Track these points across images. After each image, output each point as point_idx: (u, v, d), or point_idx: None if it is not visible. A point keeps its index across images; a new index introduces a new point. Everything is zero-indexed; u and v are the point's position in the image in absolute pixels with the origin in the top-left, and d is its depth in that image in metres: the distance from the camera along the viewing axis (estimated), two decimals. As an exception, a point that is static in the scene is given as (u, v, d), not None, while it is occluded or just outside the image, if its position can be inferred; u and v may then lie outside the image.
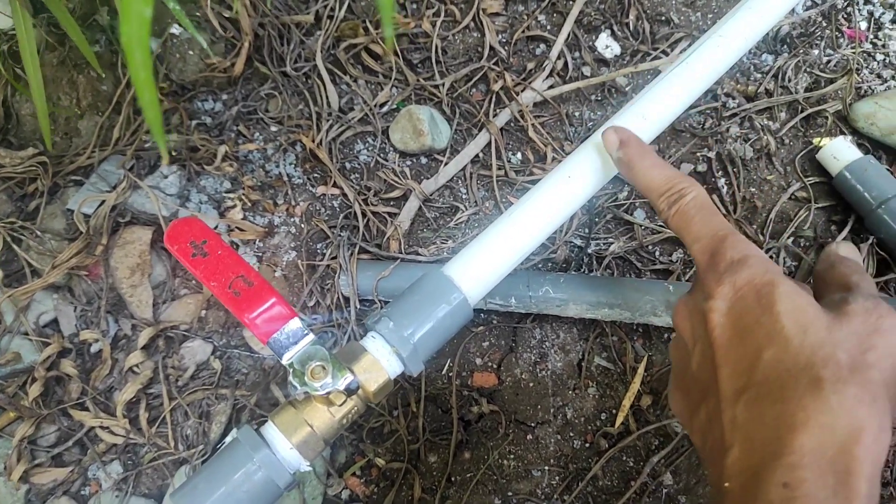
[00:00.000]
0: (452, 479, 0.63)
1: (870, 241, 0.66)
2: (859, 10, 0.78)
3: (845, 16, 0.78)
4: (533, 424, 0.65)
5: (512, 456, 0.64)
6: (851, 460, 0.26)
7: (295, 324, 0.39)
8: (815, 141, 0.72)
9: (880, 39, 0.78)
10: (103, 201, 0.66)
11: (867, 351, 0.29)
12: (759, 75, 0.75)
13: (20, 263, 0.66)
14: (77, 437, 0.61)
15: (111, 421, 0.61)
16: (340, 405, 0.39)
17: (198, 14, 0.72)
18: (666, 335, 0.67)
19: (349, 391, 0.38)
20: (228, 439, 0.57)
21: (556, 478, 0.63)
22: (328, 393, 0.38)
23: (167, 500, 0.61)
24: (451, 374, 0.65)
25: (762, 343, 0.30)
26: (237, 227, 0.67)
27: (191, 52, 0.73)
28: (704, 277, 0.34)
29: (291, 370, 0.38)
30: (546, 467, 0.64)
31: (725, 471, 0.29)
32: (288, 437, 0.38)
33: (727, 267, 0.33)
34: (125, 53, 0.22)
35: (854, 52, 0.75)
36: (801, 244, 0.69)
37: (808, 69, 0.75)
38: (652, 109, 0.49)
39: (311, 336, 0.40)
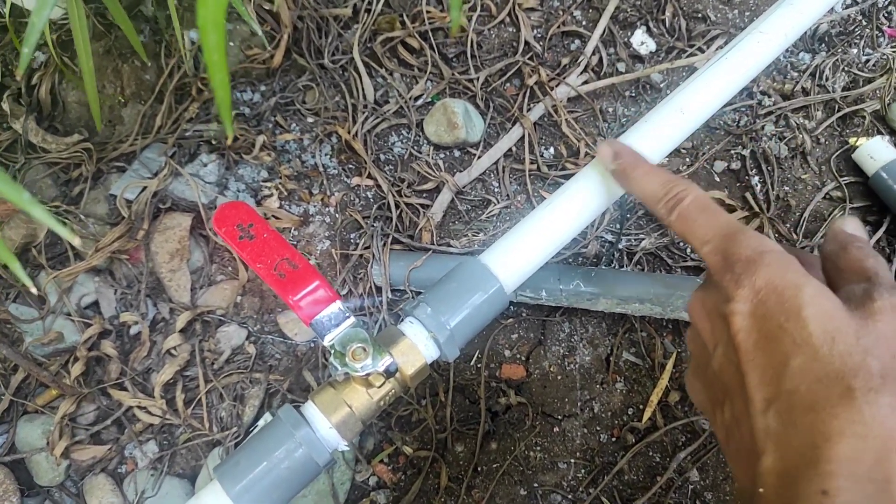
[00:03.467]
0: (479, 468, 0.64)
1: (906, 243, 0.65)
2: (900, 9, 0.78)
3: (886, 14, 0.77)
4: (560, 417, 0.65)
5: (538, 448, 0.65)
6: (890, 469, 0.26)
7: (337, 306, 0.40)
8: (852, 140, 0.71)
9: (921, 39, 0.77)
10: (145, 187, 0.67)
11: None
12: (795, 74, 0.75)
13: (63, 246, 0.68)
14: (115, 416, 0.63)
15: (148, 401, 0.62)
16: (379, 387, 0.40)
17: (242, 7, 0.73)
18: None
19: (388, 373, 0.39)
20: (261, 423, 0.58)
21: (582, 471, 0.64)
22: (368, 374, 0.39)
23: (200, 482, 0.63)
24: (479, 365, 0.66)
25: (789, 350, 0.29)
26: (273, 216, 0.68)
27: (231, 44, 0.74)
28: (721, 278, 0.33)
29: (332, 351, 0.39)
30: (572, 460, 0.64)
31: (759, 477, 0.29)
32: (328, 417, 0.39)
33: (744, 267, 0.31)
34: (201, 34, 0.23)
35: (894, 52, 0.75)
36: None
37: (846, 68, 0.74)
38: (690, 104, 0.49)
39: (352, 319, 0.41)
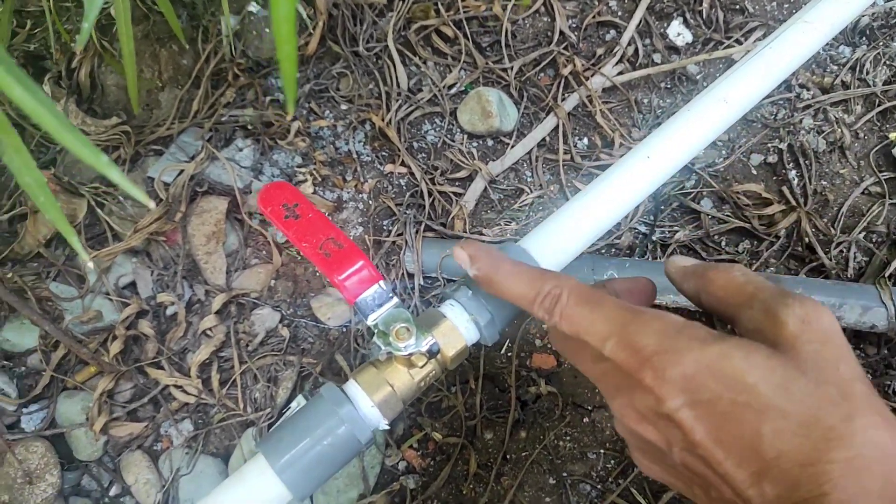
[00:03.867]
0: (508, 456, 0.64)
1: (947, 239, 0.64)
2: (944, 2, 0.76)
3: (929, 8, 0.76)
4: (590, 408, 0.65)
5: (568, 437, 0.65)
6: None
7: (381, 286, 0.41)
8: (892, 135, 0.70)
9: (965, 34, 0.75)
10: (182, 171, 0.68)
11: (838, 364, 0.28)
12: (835, 67, 0.74)
13: (102, 227, 0.69)
14: (152, 394, 0.64)
15: (184, 380, 0.63)
16: (421, 367, 0.40)
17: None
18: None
19: (431, 353, 0.39)
20: (294, 405, 0.59)
21: (612, 461, 0.64)
22: (410, 354, 0.39)
23: (233, 462, 0.64)
24: (510, 354, 0.66)
25: (755, 421, 0.28)
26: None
27: (267, 30, 0.75)
28: (643, 377, 0.30)
29: (376, 330, 0.39)
30: (602, 451, 0.64)
31: None
32: (370, 395, 0.40)
33: (662, 358, 0.29)
34: (274, 25, 0.23)
35: (937, 46, 0.73)
36: (873, 239, 0.68)
37: (887, 62, 0.73)
38: (734, 93, 0.49)
39: (395, 299, 0.41)
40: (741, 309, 0.31)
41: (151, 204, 0.27)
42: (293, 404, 0.57)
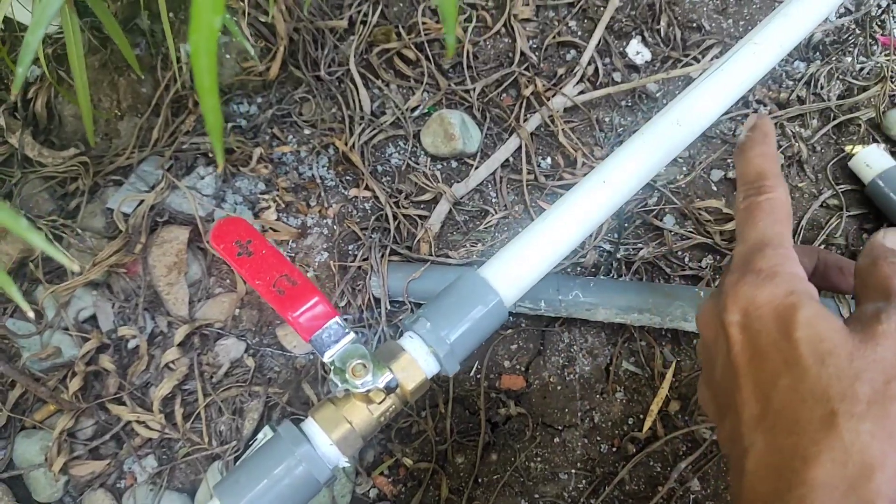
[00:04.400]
0: (479, 480, 0.64)
1: (903, 250, 0.65)
2: (893, 17, 0.78)
3: (879, 23, 0.78)
4: (560, 428, 0.65)
5: (539, 458, 0.65)
6: (865, 496, 0.25)
7: (336, 322, 0.40)
8: (848, 148, 0.72)
9: (914, 47, 0.77)
10: (142, 201, 0.67)
11: (891, 381, 0.27)
12: (790, 82, 0.75)
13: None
14: (114, 430, 0.63)
15: (147, 416, 0.62)
16: (379, 403, 0.40)
17: (236, 19, 0.73)
18: (695, 341, 0.67)
19: (388, 389, 0.39)
20: (260, 436, 0.58)
21: (583, 481, 0.64)
22: (368, 391, 0.39)
23: (199, 497, 0.63)
24: (479, 376, 0.66)
25: (779, 369, 0.29)
26: (271, 228, 0.68)
27: (227, 56, 0.75)
28: (729, 285, 0.32)
29: (333, 367, 0.39)
30: (573, 471, 0.64)
31: (741, 494, 0.29)
32: (328, 434, 0.39)
33: (753, 280, 0.31)
34: (192, 60, 0.23)
35: (888, 60, 0.75)
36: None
37: (840, 76, 0.75)
38: (687, 116, 0.49)
39: (352, 335, 0.41)
40: (868, 302, 0.31)
41: (76, 267, 0.26)
42: (259, 436, 0.57)
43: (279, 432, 0.40)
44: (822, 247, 0.68)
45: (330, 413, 0.40)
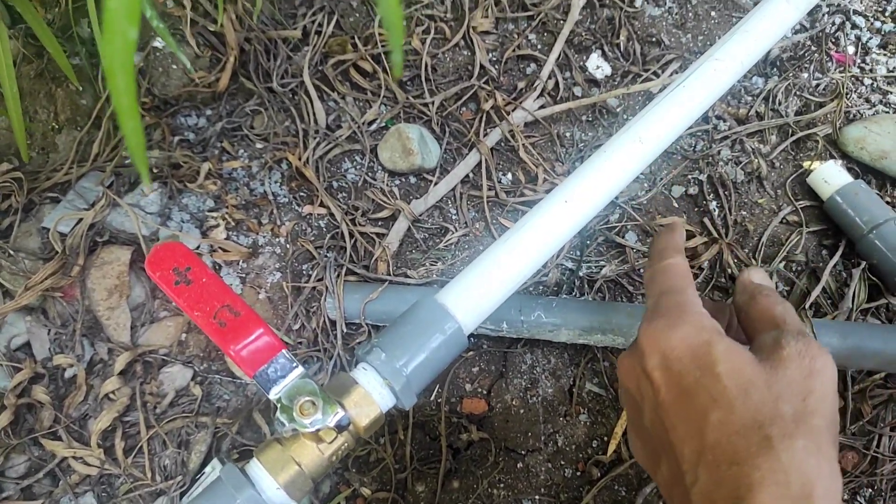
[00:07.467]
0: (441, 509, 0.61)
1: (862, 266, 0.65)
2: (847, 35, 0.79)
3: (833, 40, 0.79)
4: (523, 452, 0.63)
5: (502, 485, 0.63)
6: None
7: (283, 356, 0.37)
8: (806, 164, 0.72)
9: (868, 64, 0.78)
10: (80, 219, 0.63)
11: (806, 397, 0.30)
12: (749, 98, 0.75)
13: (-9, 284, 0.63)
14: (48, 468, 0.58)
15: (85, 451, 0.58)
16: (330, 442, 0.37)
17: (181, 28, 0.70)
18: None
19: (340, 427, 0.37)
20: (208, 469, 0.54)
21: (548, 507, 0.62)
22: (318, 430, 0.36)
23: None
24: (439, 401, 0.64)
25: (707, 405, 0.30)
26: (220, 248, 0.65)
27: (174, 67, 0.71)
28: (643, 333, 0.35)
29: (279, 406, 0.36)
30: (537, 497, 0.62)
31: None
32: (274, 477, 0.36)
33: (664, 324, 0.33)
34: (107, 76, 0.20)
35: (843, 77, 0.76)
36: (793, 268, 0.68)
37: (797, 92, 0.75)
38: (648, 133, 0.48)
39: (300, 369, 0.38)
40: (762, 333, 0.34)
41: None
42: (207, 469, 0.53)
43: (220, 476, 0.37)
44: (783, 264, 0.68)
45: (276, 454, 0.37)
